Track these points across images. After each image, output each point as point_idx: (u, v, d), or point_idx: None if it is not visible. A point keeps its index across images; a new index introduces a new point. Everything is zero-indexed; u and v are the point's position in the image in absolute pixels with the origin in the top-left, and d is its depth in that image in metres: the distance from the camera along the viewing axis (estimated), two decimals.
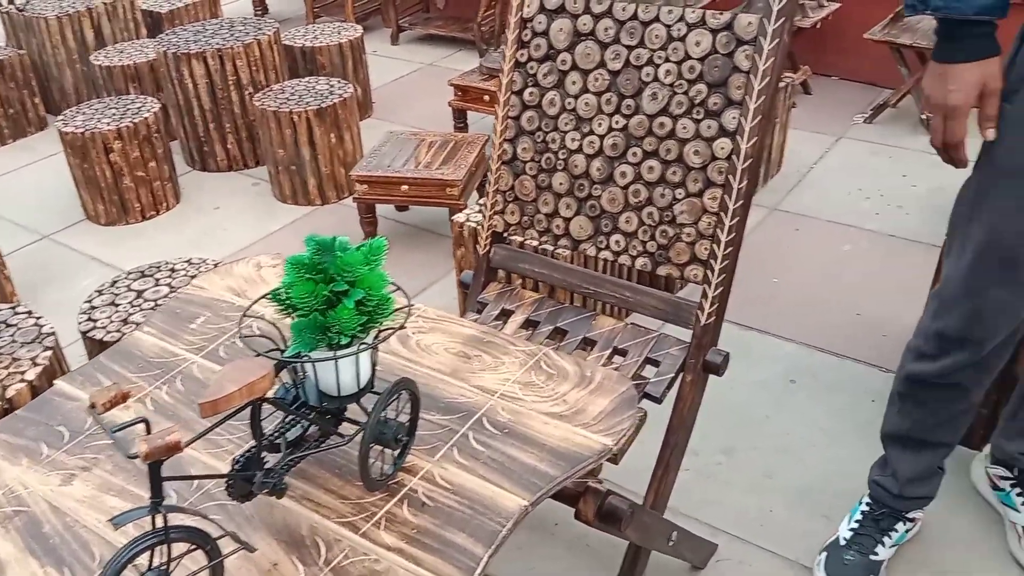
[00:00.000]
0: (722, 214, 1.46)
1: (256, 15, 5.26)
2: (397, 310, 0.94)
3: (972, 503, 1.96)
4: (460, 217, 2.44)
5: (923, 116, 1.36)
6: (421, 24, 5.15)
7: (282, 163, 3.32)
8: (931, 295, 1.54)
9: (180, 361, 1.25)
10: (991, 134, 1.31)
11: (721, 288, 1.50)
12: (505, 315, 1.76)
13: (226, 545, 0.88)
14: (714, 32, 1.41)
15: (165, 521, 0.81)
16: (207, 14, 4.64)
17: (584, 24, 1.54)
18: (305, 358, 0.89)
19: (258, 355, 0.87)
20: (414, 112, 4.22)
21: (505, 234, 1.76)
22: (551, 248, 1.68)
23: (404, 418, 1.01)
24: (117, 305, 2.12)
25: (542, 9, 1.59)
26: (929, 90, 1.31)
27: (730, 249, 1.47)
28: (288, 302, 0.88)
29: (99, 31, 4.20)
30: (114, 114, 3.27)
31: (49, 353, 1.83)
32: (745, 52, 1.39)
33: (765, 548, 1.89)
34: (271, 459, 0.95)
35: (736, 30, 1.39)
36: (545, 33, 1.59)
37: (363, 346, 0.88)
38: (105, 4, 4.19)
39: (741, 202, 1.44)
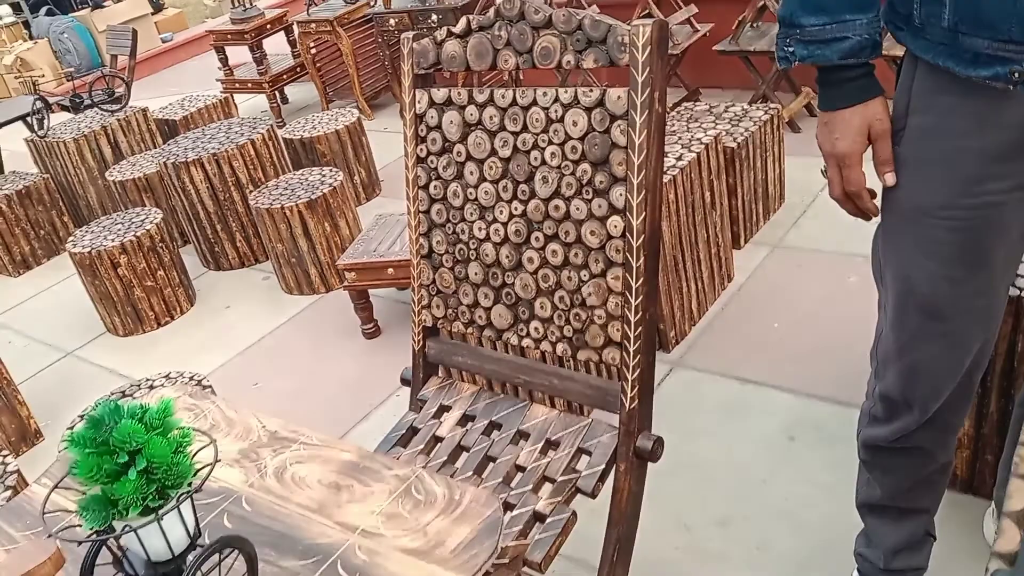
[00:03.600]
0: (627, 293, 1.39)
1: (273, 107, 5.43)
2: (203, 467, 0.91)
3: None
4: None
5: (822, 168, 1.28)
6: None
7: (282, 257, 3.38)
8: (871, 351, 1.42)
9: (65, 515, 1.24)
10: (890, 179, 1.22)
11: (640, 369, 1.42)
12: (444, 410, 1.71)
13: None
14: (588, 110, 1.36)
15: None
16: (221, 115, 4.81)
17: (471, 115, 1.51)
18: (104, 535, 0.86)
19: (49, 536, 0.85)
20: None
21: (437, 326, 1.72)
22: (478, 339, 1.63)
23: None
24: None
25: (432, 104, 1.56)
26: (820, 140, 1.24)
27: (640, 329, 1.39)
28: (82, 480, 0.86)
29: (116, 146, 4.40)
30: (119, 229, 3.39)
31: (8, 493, 1.87)
32: (620, 127, 1.33)
33: None
34: None
35: (608, 106, 1.34)
36: (439, 127, 1.56)
37: (148, 519, 0.85)
38: (119, 120, 4.39)
39: (642, 279, 1.37)
